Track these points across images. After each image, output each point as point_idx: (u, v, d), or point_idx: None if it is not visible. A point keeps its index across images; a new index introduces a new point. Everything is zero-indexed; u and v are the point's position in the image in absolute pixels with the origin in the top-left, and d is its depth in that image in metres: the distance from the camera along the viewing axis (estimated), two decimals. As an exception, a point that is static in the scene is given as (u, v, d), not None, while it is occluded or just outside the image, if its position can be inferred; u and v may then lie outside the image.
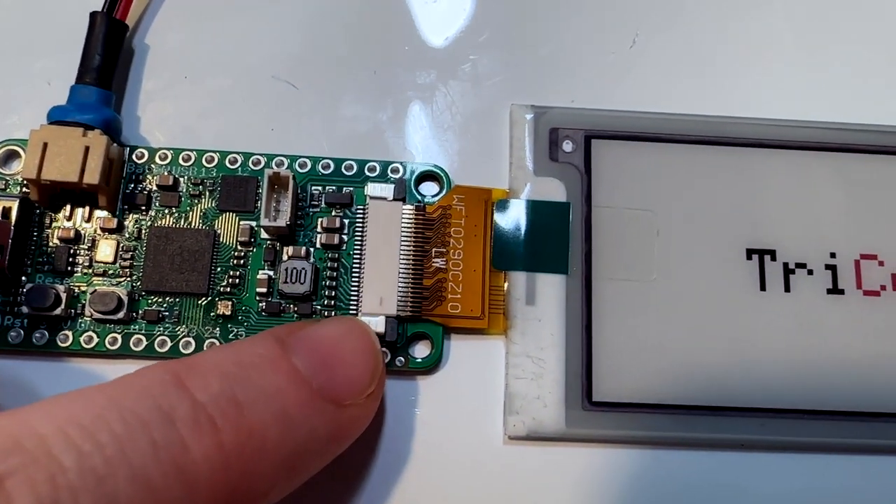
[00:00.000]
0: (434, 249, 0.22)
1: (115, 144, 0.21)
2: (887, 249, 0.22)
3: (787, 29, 0.25)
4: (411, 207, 0.22)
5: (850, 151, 0.23)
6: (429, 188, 0.22)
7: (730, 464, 0.21)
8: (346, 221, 0.22)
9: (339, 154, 0.22)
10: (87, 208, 0.22)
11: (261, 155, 0.22)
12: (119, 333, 0.21)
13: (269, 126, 0.23)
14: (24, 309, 0.20)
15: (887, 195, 0.23)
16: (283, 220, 0.21)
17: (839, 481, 0.21)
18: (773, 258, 0.22)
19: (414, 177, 0.22)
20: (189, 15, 0.24)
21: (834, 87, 0.24)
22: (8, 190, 0.22)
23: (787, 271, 0.22)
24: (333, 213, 0.22)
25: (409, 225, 0.21)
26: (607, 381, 0.21)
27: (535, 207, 0.22)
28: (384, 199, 0.22)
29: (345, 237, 0.22)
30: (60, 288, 0.21)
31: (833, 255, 0.22)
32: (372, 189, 0.22)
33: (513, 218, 0.22)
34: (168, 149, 0.22)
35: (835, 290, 0.22)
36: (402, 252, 0.21)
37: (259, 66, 0.24)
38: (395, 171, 0.22)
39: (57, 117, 0.21)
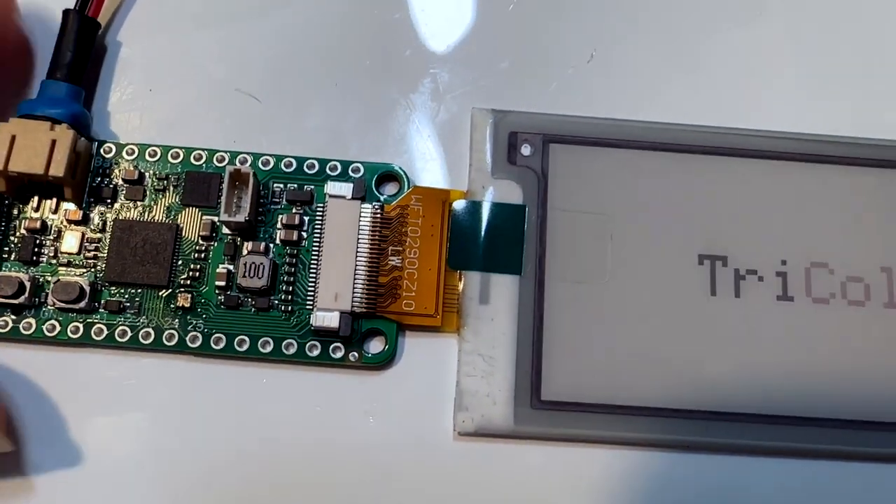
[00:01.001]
0: (391, 248, 0.22)
1: (82, 139, 0.22)
2: (837, 258, 0.23)
3: (737, 39, 0.25)
4: (370, 206, 0.22)
5: (802, 161, 0.23)
6: (388, 189, 0.23)
7: (674, 464, 0.21)
8: (306, 219, 0.22)
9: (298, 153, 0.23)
10: (55, 200, 0.22)
11: (225, 152, 0.23)
12: (81, 322, 0.21)
13: (232, 138, 0.23)
14: (-11, 296, 0.21)
15: (839, 205, 0.23)
16: (242, 216, 0.21)
17: (779, 483, 0.21)
18: (725, 264, 0.23)
19: (374, 177, 0.23)
20: (160, 17, 0.25)
21: (786, 97, 0.24)
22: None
23: (738, 277, 0.23)
24: (294, 211, 0.22)
25: (367, 223, 0.22)
26: (556, 381, 0.21)
27: (491, 209, 0.23)
28: (343, 197, 0.22)
29: (304, 234, 0.22)
30: (25, 277, 0.21)
31: (784, 263, 0.23)
32: (331, 187, 0.22)
33: (469, 219, 0.22)
34: (135, 144, 0.23)
35: (784, 296, 0.22)
36: (359, 250, 0.22)
37: (224, 76, 0.24)
38: (356, 170, 0.23)
39: (26, 111, 0.22)
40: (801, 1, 0.25)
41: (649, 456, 0.21)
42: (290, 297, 0.22)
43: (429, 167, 0.23)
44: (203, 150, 0.23)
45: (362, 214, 0.22)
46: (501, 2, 0.25)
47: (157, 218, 0.22)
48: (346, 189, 0.22)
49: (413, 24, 0.25)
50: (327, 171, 0.23)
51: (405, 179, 0.23)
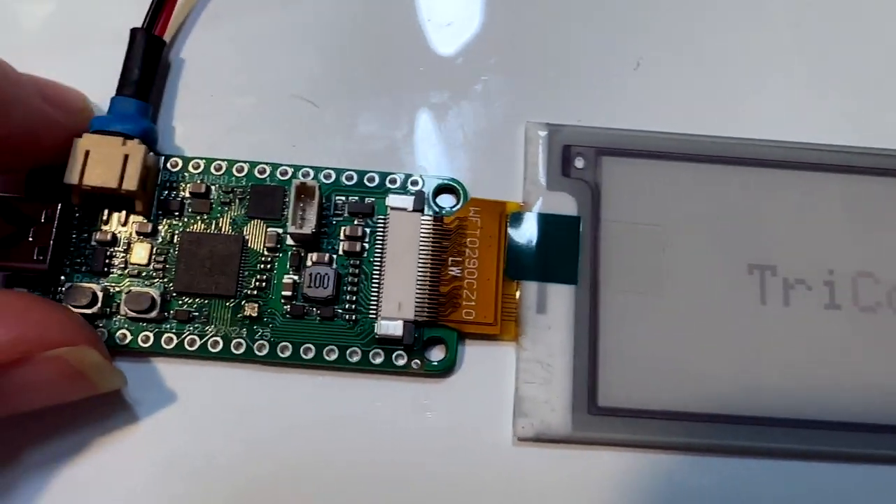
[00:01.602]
0: (450, 258, 0.23)
1: (151, 153, 0.23)
2: (883, 268, 0.23)
3: (792, 51, 0.26)
4: (429, 218, 0.23)
5: (850, 173, 0.24)
6: (446, 200, 0.24)
7: (730, 469, 0.22)
8: (368, 230, 0.23)
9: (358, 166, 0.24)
10: (124, 213, 0.23)
11: (288, 166, 0.23)
12: (151, 332, 0.22)
13: (291, 143, 0.24)
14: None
15: (885, 216, 0.24)
16: (308, 228, 0.22)
17: (836, 489, 0.22)
18: (774, 273, 0.23)
19: (432, 189, 0.23)
20: (222, 31, 0.25)
21: (837, 110, 0.25)
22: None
23: (787, 286, 0.23)
24: (356, 222, 0.23)
25: (427, 234, 0.23)
26: (612, 388, 0.22)
27: (546, 220, 0.23)
28: (404, 209, 0.23)
29: (366, 245, 0.23)
30: (97, 287, 0.22)
31: (831, 272, 0.23)
32: (392, 200, 0.23)
33: (526, 230, 0.23)
34: (201, 158, 0.23)
35: (832, 305, 0.23)
36: (420, 260, 0.22)
37: (281, 84, 0.25)
38: (415, 183, 0.23)
39: (99, 127, 0.22)
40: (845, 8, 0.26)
41: (701, 461, 0.22)
42: (353, 306, 0.22)
43: (482, 178, 0.24)
44: (267, 164, 0.23)
45: (423, 226, 0.23)
46: (545, 10, 0.26)
47: (223, 230, 0.23)
48: (406, 202, 0.23)
49: (462, 31, 0.26)
50: (387, 183, 0.23)
51: (462, 191, 0.23)
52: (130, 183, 0.22)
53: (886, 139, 0.25)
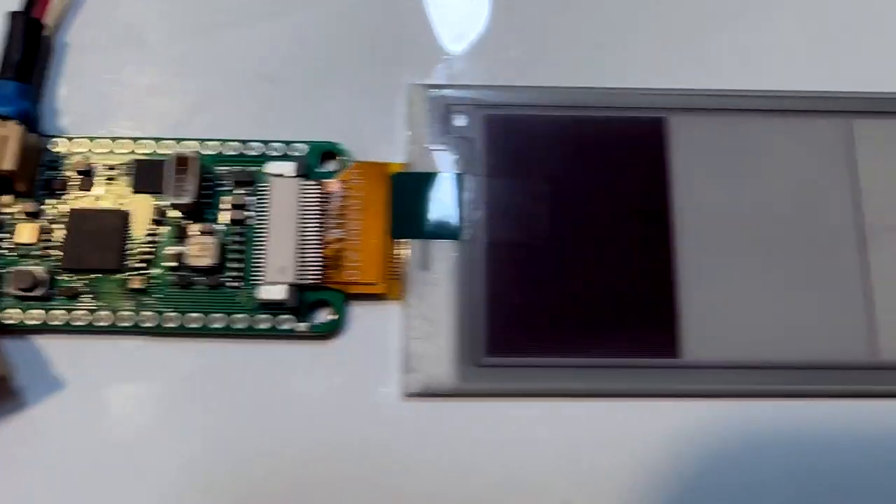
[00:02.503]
0: (334, 221, 0.23)
1: (32, 133, 0.23)
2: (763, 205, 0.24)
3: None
4: (310, 182, 0.23)
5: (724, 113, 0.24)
6: (332, 165, 0.24)
7: (613, 412, 0.22)
8: (252, 199, 0.23)
9: (243, 135, 0.24)
10: (6, 195, 0.23)
11: (171, 139, 0.24)
12: (39, 309, 0.22)
13: (177, 118, 0.24)
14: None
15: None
16: (188, 197, 0.22)
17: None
18: (663, 220, 0.23)
19: (314, 154, 0.24)
20: (111, 12, 0.26)
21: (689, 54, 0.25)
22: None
23: (679, 231, 0.23)
24: (239, 191, 0.23)
25: (307, 199, 0.23)
26: (499, 340, 0.22)
27: (429, 179, 0.23)
28: (286, 175, 0.23)
29: (250, 213, 0.23)
30: (-17, 269, 0.22)
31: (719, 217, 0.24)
32: (272, 167, 0.23)
33: (408, 190, 0.23)
34: (85, 137, 0.24)
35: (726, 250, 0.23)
36: (303, 225, 0.23)
37: (169, 62, 0.25)
38: (297, 149, 0.24)
39: (-26, 110, 0.23)
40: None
41: (589, 406, 0.22)
42: (238, 273, 0.23)
43: (366, 141, 0.24)
44: (150, 138, 0.24)
45: (304, 191, 0.23)
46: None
47: (108, 206, 0.23)
48: (287, 168, 0.23)
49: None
50: (269, 150, 0.24)
51: (345, 155, 0.24)
52: (8, 163, 0.22)
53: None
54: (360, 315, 0.23)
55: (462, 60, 0.25)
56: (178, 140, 0.24)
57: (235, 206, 0.23)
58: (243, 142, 0.24)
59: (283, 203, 0.23)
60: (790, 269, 0.23)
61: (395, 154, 0.24)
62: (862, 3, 0.26)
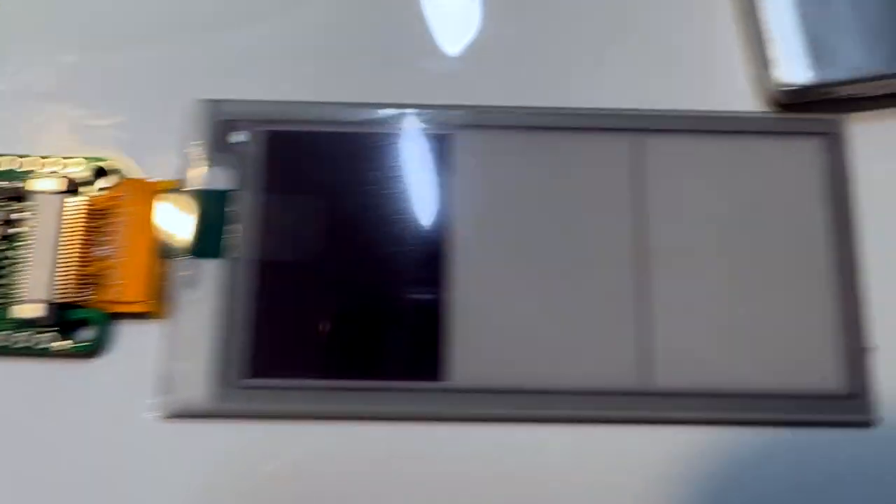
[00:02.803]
0: (100, 239, 0.23)
1: None
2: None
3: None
4: (76, 199, 0.23)
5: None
6: (101, 182, 0.23)
7: (380, 435, 0.22)
8: (18, 216, 0.23)
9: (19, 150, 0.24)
10: None
11: (-57, 154, 0.23)
12: None
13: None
14: None
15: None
16: (-53, 215, 0.22)
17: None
18: (445, 240, 0.23)
19: (88, 170, 0.23)
20: None
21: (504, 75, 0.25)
22: None
23: (459, 253, 0.23)
24: (8, 207, 0.23)
25: (72, 216, 0.22)
26: (259, 361, 0.22)
27: (201, 196, 0.23)
28: (50, 191, 0.23)
29: (15, 230, 0.23)
30: None
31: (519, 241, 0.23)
32: (38, 183, 0.23)
33: (178, 207, 0.23)
34: None
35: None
36: (67, 241, 0.22)
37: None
38: (69, 165, 0.23)
39: None
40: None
41: (352, 428, 0.22)
42: (2, 290, 0.22)
43: (149, 159, 0.24)
44: (-80, 152, 0.23)
45: (69, 207, 0.23)
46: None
47: None
48: (51, 184, 0.23)
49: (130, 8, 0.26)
50: (38, 167, 0.23)
51: (117, 172, 0.23)
52: None
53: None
54: (126, 334, 0.23)
55: (249, 75, 0.25)
56: (-52, 155, 0.23)
57: (4, 222, 0.23)
58: (20, 156, 0.23)
59: (47, 219, 0.22)
60: (566, 292, 0.23)
61: (173, 171, 0.24)
62: (650, 21, 0.26)
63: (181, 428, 0.22)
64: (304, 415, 0.22)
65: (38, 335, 0.22)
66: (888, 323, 0.23)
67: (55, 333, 0.22)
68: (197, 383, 0.22)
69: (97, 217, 0.23)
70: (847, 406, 0.22)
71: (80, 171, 0.23)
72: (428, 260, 0.23)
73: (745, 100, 0.25)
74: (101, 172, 0.23)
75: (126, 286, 0.22)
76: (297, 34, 0.25)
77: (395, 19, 0.26)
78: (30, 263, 0.22)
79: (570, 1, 0.26)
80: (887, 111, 0.25)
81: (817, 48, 0.23)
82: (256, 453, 0.22)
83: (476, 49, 0.25)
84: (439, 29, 0.25)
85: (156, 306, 0.22)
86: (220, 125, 0.24)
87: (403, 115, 0.24)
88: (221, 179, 0.23)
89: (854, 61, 0.23)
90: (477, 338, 0.22)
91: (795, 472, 0.22)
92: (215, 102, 0.24)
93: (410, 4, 0.26)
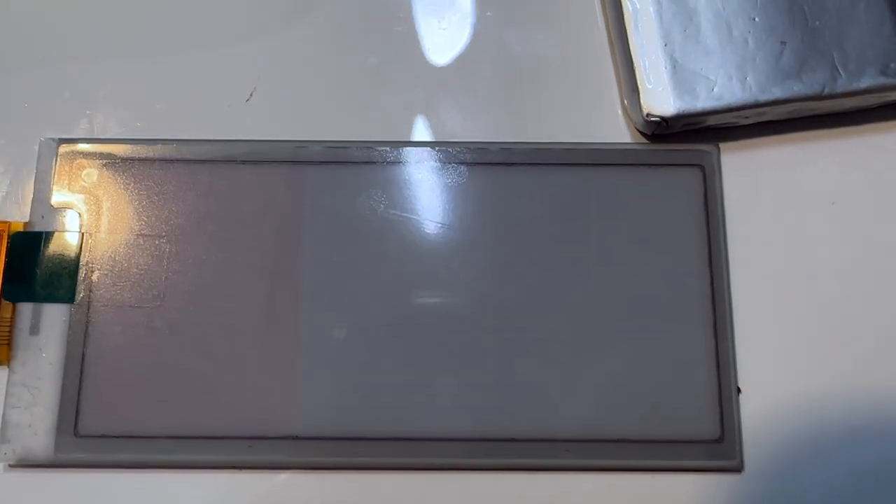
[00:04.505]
0: (-57, 284, 0.22)
1: None
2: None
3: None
4: (-83, 244, 0.22)
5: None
6: (-50, 224, 0.23)
7: (218, 483, 0.21)
8: None
9: None
10: None
11: None
12: None
13: None
14: None
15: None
16: None
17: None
18: (290, 281, 0.22)
19: (-67, 213, 0.23)
20: None
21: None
22: None
23: (303, 295, 0.22)
24: None
25: (-88, 261, 0.22)
26: (98, 410, 0.21)
27: (48, 238, 0.23)
28: None
29: None
30: None
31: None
32: None
33: (24, 250, 0.22)
34: None
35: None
36: None
37: None
38: (-85, 208, 0.23)
39: None
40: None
41: (193, 477, 0.21)
42: None
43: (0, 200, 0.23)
44: None
45: (-89, 253, 0.22)
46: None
47: None
48: None
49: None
50: None
51: (-34, 214, 0.23)
52: None
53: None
54: (-33, 382, 0.22)
55: (104, 114, 0.24)
56: None
57: None
58: None
59: None
60: (421, 344, 0.22)
61: (23, 212, 0.23)
62: (526, 53, 0.25)
63: (21, 477, 0.21)
64: (144, 464, 0.21)
65: None
66: (754, 363, 0.22)
67: None
68: (35, 433, 0.21)
69: (-59, 261, 0.22)
70: (716, 451, 0.21)
71: (-72, 213, 0.23)
72: (275, 304, 0.22)
73: (620, 131, 0.24)
74: (-51, 215, 0.23)
75: (-32, 332, 0.22)
76: (156, 71, 0.25)
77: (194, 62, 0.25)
78: None
79: (432, 30, 0.25)
80: (762, 139, 0.24)
81: (685, 78, 0.23)
82: (99, 502, 0.21)
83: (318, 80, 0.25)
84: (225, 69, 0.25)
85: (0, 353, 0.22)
86: (70, 164, 0.23)
87: (259, 149, 0.23)
88: (70, 220, 0.23)
89: (723, 90, 0.23)
90: (321, 387, 0.22)
91: (658, 520, 0.21)
92: (64, 141, 0.23)
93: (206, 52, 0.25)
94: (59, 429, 0.21)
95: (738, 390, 0.22)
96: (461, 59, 0.25)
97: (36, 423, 0.21)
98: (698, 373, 0.22)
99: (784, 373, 0.22)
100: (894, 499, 0.21)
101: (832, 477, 0.21)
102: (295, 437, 0.21)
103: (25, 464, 0.21)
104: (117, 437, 0.21)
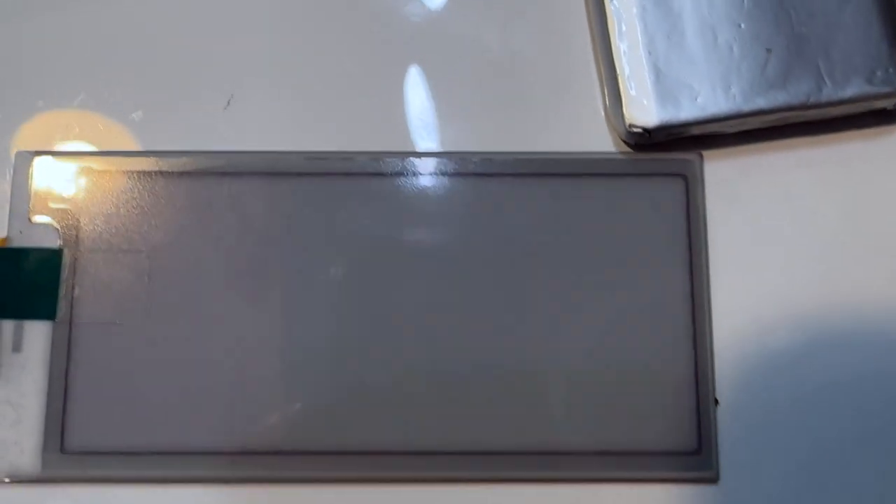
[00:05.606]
0: (-77, 301, 0.22)
1: None
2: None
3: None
4: None
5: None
6: (-71, 239, 0.23)
7: (203, 498, 0.22)
8: None
9: None
10: None
11: None
12: None
13: None
14: None
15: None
16: None
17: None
18: (269, 291, 0.22)
19: None
20: None
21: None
22: None
23: (287, 306, 0.22)
24: None
25: None
26: (83, 426, 0.22)
27: (27, 254, 0.22)
28: None
29: None
30: None
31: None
32: None
33: (4, 266, 0.22)
34: None
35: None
36: None
37: None
38: None
39: None
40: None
41: (181, 492, 0.22)
42: None
43: (-21, 213, 0.23)
44: None
45: None
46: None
47: None
48: None
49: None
50: None
51: (-56, 230, 0.23)
52: None
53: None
54: (-50, 399, 0.22)
55: (79, 126, 0.24)
56: None
57: None
58: None
59: None
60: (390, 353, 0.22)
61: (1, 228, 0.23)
62: (510, 63, 0.24)
63: (8, 494, 0.22)
64: (131, 479, 0.22)
65: None
66: (732, 374, 0.22)
67: None
68: (21, 449, 0.22)
69: (-80, 279, 0.22)
70: (693, 462, 0.22)
71: None
72: (258, 318, 0.22)
73: (603, 140, 0.24)
74: (-74, 230, 0.23)
75: (-50, 350, 0.22)
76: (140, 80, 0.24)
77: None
78: None
79: (413, 39, 0.25)
80: (745, 147, 0.24)
81: (669, 87, 0.22)
82: (84, 518, 0.22)
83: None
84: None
85: (-19, 370, 0.22)
86: (48, 178, 0.23)
87: (242, 160, 0.23)
88: (48, 236, 0.23)
89: (707, 101, 0.22)
90: (306, 401, 0.22)
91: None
92: (42, 154, 0.23)
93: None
94: (46, 446, 0.22)
95: (716, 402, 0.22)
96: (442, 69, 0.24)
97: (22, 440, 0.22)
98: (677, 383, 0.22)
99: (762, 384, 0.22)
100: (867, 509, 0.22)
101: (807, 488, 0.22)
102: (281, 452, 0.22)
103: (13, 480, 0.22)
104: (104, 453, 0.22)
